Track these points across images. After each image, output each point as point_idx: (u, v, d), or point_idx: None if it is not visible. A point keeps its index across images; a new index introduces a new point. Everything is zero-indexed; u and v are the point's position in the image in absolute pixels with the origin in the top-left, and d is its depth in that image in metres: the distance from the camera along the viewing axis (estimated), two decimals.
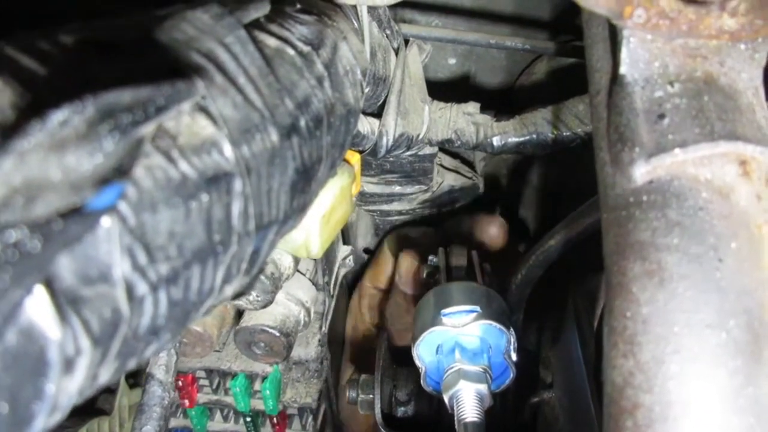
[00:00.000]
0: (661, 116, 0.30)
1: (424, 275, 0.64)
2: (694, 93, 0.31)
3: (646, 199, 0.30)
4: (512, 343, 0.52)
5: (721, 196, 0.29)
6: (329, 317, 0.72)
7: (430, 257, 0.65)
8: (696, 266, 0.28)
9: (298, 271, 0.65)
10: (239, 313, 0.63)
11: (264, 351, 0.62)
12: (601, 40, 0.35)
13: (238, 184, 0.28)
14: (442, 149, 0.77)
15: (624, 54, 0.32)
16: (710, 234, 0.28)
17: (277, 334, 0.60)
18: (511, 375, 0.53)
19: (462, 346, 0.52)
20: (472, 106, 0.68)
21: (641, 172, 0.30)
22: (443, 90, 0.69)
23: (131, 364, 0.25)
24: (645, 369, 0.27)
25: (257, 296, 0.52)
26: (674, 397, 0.27)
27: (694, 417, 0.26)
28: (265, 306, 0.53)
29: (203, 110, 0.27)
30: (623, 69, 0.32)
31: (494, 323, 0.51)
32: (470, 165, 0.86)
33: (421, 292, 0.59)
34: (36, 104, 0.19)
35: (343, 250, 0.74)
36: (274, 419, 0.73)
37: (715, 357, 0.27)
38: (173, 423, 0.75)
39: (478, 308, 0.52)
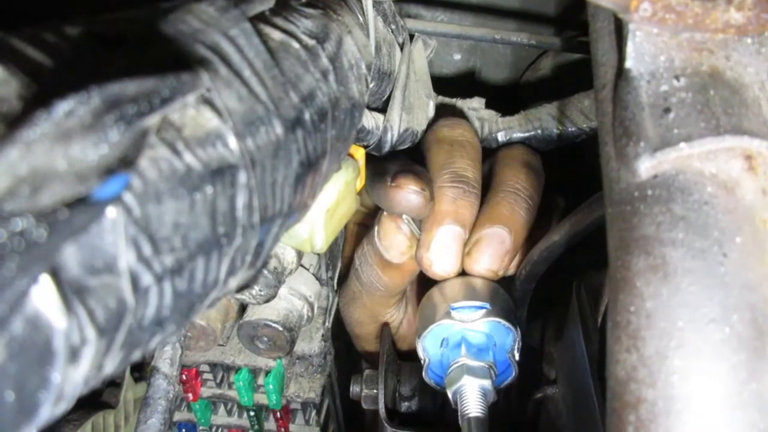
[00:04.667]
0: (667, 110, 0.30)
1: None
2: (700, 87, 0.31)
3: (650, 194, 0.30)
4: (517, 343, 0.52)
5: (726, 191, 0.29)
6: (333, 312, 0.72)
7: None
8: (700, 261, 0.28)
9: (302, 265, 0.65)
10: (243, 307, 0.63)
11: (267, 345, 0.62)
12: (607, 34, 0.35)
13: (242, 177, 0.28)
14: None
15: (630, 48, 0.32)
16: (715, 228, 0.28)
17: (280, 329, 0.60)
18: (514, 373, 0.54)
19: (468, 341, 0.52)
20: (477, 102, 0.68)
21: (646, 166, 0.30)
22: (448, 85, 0.69)
23: (136, 355, 0.25)
24: (648, 363, 0.27)
25: (260, 290, 0.52)
26: (677, 392, 0.27)
27: (697, 411, 0.26)
28: (267, 300, 0.53)
29: (208, 102, 0.27)
30: (629, 63, 0.32)
31: (503, 321, 0.51)
32: None
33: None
34: (42, 95, 0.20)
35: None
36: (278, 414, 0.73)
37: (718, 352, 0.27)
38: (177, 416, 0.75)
39: (487, 305, 0.52)
